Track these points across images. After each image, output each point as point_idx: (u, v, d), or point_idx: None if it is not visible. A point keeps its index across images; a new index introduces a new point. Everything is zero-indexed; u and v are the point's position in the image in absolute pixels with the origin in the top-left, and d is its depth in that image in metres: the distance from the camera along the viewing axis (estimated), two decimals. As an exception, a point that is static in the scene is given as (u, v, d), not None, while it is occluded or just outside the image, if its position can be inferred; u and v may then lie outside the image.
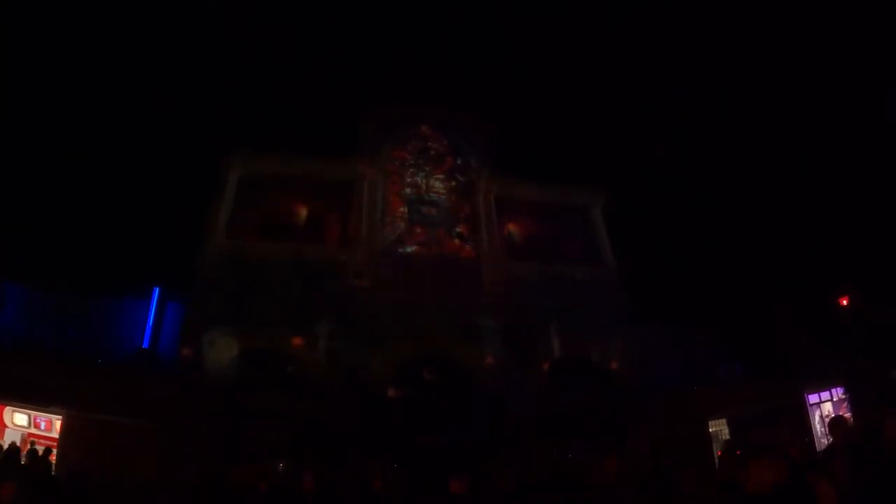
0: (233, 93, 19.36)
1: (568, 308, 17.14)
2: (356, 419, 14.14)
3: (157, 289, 16.96)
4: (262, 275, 15.57)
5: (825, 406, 16.22)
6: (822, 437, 14.80)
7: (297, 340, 15.07)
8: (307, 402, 14.27)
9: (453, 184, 18.98)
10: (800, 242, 17.98)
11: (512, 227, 18.67)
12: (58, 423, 12.57)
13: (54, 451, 11.66)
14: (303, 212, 17.32)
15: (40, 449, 11.45)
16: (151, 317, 16.61)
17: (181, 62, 19.15)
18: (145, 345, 16.22)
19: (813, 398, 16.79)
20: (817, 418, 16.30)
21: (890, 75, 16.52)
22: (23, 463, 8.93)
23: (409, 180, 18.64)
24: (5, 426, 12.11)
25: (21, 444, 11.74)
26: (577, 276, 18.15)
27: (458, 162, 19.33)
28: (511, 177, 19.39)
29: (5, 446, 10.83)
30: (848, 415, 15.25)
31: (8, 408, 12.31)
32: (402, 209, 18.15)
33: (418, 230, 17.81)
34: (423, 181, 18.72)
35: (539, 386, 15.80)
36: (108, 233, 17.22)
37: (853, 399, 15.17)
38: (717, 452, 15.26)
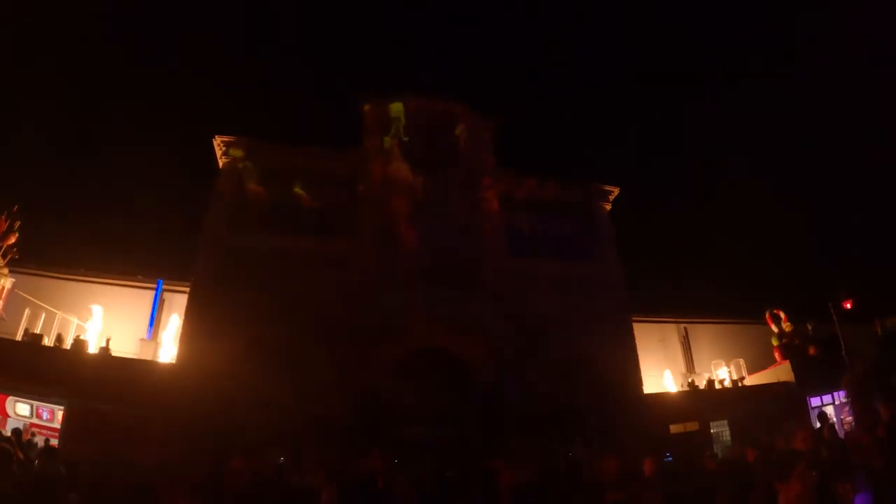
0: (236, 85, 19.36)
1: (569, 305, 17.12)
2: (356, 413, 14.16)
3: (161, 280, 17.07)
4: (264, 268, 15.56)
5: (827, 409, 16.20)
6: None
7: (298, 333, 15.05)
8: (307, 395, 14.26)
9: (457, 180, 18.86)
10: (801, 243, 17.93)
11: (514, 224, 18.59)
12: (60, 414, 12.63)
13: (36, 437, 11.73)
14: (305, 205, 17.26)
15: (41, 440, 11.53)
16: (154, 308, 16.69)
17: (186, 54, 19.15)
18: (147, 336, 16.29)
19: (815, 401, 16.78)
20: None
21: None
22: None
23: (412, 176, 18.52)
24: (8, 416, 12.19)
25: (22, 433, 11.80)
26: (578, 274, 18.12)
27: (462, 158, 19.21)
28: (514, 173, 19.35)
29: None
30: (849, 418, 15.24)
31: (10, 398, 12.38)
32: (404, 205, 18.05)
33: (420, 226, 17.69)
34: (427, 177, 18.59)
35: (539, 383, 15.77)
36: (111, 224, 17.31)
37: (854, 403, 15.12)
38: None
